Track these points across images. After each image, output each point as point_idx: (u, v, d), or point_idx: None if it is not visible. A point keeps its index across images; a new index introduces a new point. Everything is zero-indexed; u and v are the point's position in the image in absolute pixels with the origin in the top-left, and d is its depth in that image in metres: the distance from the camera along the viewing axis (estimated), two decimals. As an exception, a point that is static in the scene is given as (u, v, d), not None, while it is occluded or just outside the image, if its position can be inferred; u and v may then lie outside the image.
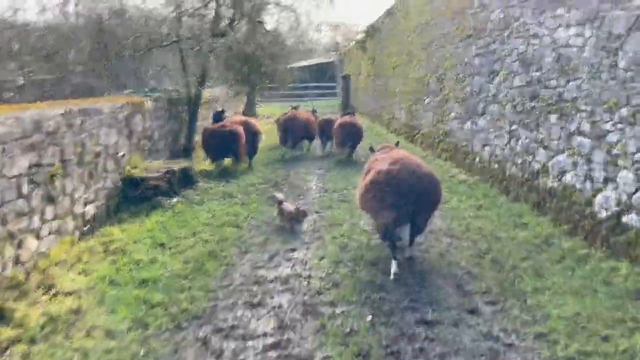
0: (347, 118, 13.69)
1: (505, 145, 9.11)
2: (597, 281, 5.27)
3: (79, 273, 5.87)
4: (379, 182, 5.81)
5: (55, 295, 5.30)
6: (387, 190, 5.71)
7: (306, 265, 6.10)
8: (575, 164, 6.81)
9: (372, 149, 7.45)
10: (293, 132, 13.99)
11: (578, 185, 6.73)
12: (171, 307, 5.00)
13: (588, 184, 6.50)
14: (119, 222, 7.59)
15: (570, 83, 6.95)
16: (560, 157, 7.19)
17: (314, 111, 15.98)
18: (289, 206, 7.49)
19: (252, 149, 12.10)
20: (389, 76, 20.39)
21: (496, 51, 9.56)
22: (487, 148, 10.03)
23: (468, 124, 11.09)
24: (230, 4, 12.98)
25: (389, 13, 20.79)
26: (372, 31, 25.58)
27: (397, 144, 7.79)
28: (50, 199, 6.26)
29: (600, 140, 6.25)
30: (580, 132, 6.71)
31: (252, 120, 12.64)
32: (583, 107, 6.62)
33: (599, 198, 6.24)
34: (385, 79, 21.40)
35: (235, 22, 13.98)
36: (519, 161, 8.53)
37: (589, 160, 6.49)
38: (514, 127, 8.76)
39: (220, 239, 6.97)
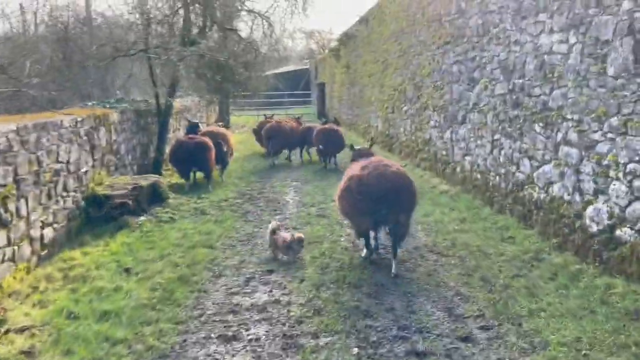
0: (327, 126, 13.88)
1: (488, 154, 8.86)
2: (593, 301, 4.98)
3: (34, 305, 5.31)
4: (351, 189, 5.87)
5: (6, 332, 4.74)
6: (359, 198, 5.77)
7: (285, 290, 5.66)
8: (562, 175, 6.57)
9: (352, 147, 7.78)
10: (277, 140, 14.01)
11: (566, 197, 6.48)
12: (136, 343, 4.50)
13: (577, 196, 6.25)
14: (80, 246, 7.02)
15: (555, 91, 6.72)
16: (547, 168, 6.95)
17: (298, 118, 15.95)
18: (282, 234, 6.60)
19: (223, 161, 11.63)
20: (364, 84, 20.16)
21: (475, 58, 9.34)
22: (468, 158, 9.79)
23: (448, 133, 10.84)
24: (201, 12, 12.51)
25: (363, 20, 20.59)
26: (345, 39, 25.39)
27: (371, 145, 8.23)
28: (3, 223, 5.69)
29: (589, 150, 6.01)
30: (567, 142, 6.47)
31: (222, 131, 12.15)
32: (569, 116, 6.38)
33: (589, 211, 5.99)
34: (360, 86, 21.17)
35: (207, 30, 13.52)
36: (503, 172, 8.28)
37: (577, 171, 6.24)
38: (496, 136, 8.52)
39: (191, 261, 6.47)
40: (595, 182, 5.89)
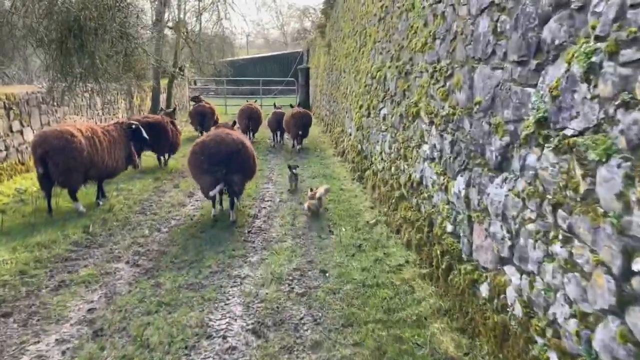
0: (297, 109, 14.05)
1: (595, 299, 2.66)
2: None
3: None
4: (195, 152, 6.85)
5: None
6: (202, 159, 6.71)
7: None
8: None
9: (216, 124, 9.29)
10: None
11: None
12: None
13: None
14: None
15: None
16: None
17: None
18: None
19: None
20: (342, 68, 13.95)
21: (549, -14, 3.11)
22: (510, 270, 3.57)
23: (460, 183, 4.63)
24: None
25: (343, -23, 14.34)
26: (328, 9, 19.19)
27: (233, 123, 8.27)
28: None
29: None
30: None
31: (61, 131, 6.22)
32: None
33: None
34: (337, 72, 14.97)
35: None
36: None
37: None
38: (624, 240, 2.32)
39: None
40: None
